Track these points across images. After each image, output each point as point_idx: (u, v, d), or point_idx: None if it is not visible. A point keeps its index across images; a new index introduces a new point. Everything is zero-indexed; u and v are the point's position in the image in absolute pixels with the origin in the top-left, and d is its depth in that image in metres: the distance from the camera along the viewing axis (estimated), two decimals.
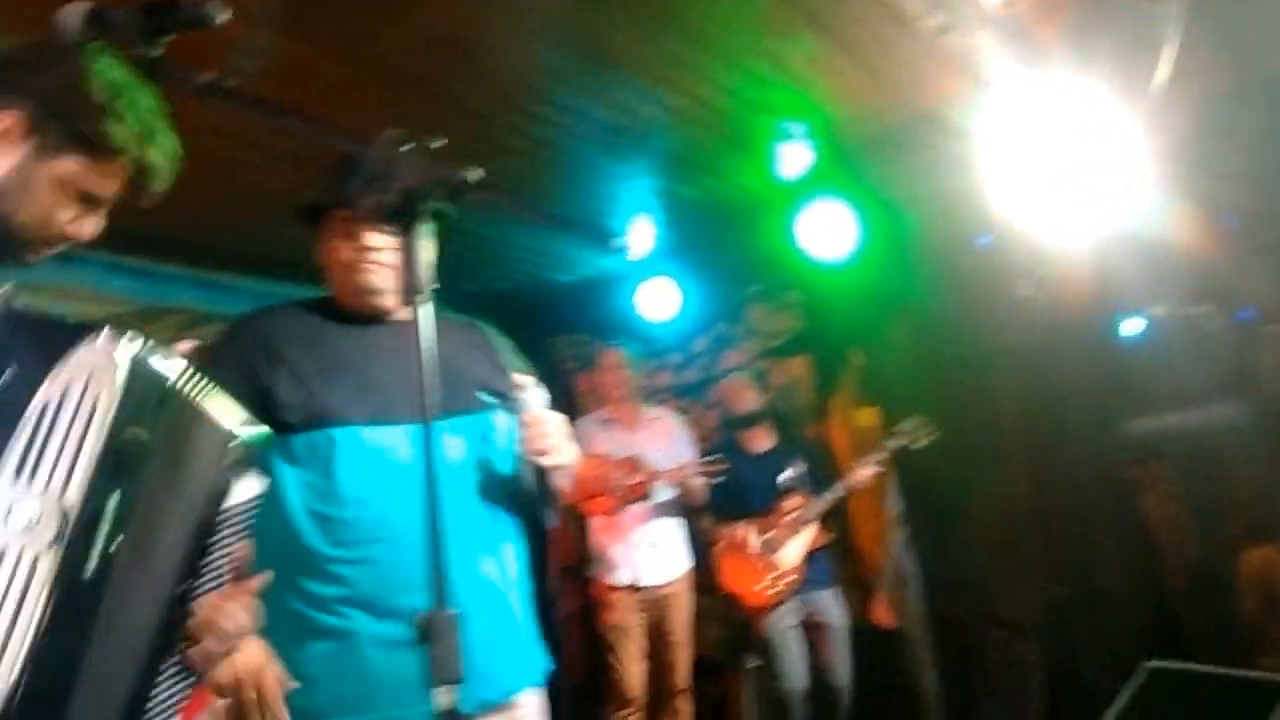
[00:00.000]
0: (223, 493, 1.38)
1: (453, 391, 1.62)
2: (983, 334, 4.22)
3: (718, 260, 5.01)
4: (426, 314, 1.19)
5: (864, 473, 4.09)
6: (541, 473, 2.01)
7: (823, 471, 4.34)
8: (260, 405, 1.74)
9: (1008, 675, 4.01)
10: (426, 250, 1.19)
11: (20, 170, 1.25)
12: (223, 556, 1.40)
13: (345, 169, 1.95)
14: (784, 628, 4.10)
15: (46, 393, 1.07)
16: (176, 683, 1.33)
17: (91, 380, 1.11)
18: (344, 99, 2.89)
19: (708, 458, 4.27)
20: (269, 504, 1.51)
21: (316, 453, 1.84)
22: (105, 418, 1.11)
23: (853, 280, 4.42)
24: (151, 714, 1.28)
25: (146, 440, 1.19)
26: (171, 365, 1.24)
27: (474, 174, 1.14)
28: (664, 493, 4.21)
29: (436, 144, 1.14)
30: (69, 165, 1.27)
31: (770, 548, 4.11)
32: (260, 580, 1.48)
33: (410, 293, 1.18)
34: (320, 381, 1.87)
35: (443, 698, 1.10)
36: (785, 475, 4.25)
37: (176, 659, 1.33)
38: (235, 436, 1.38)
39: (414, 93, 2.99)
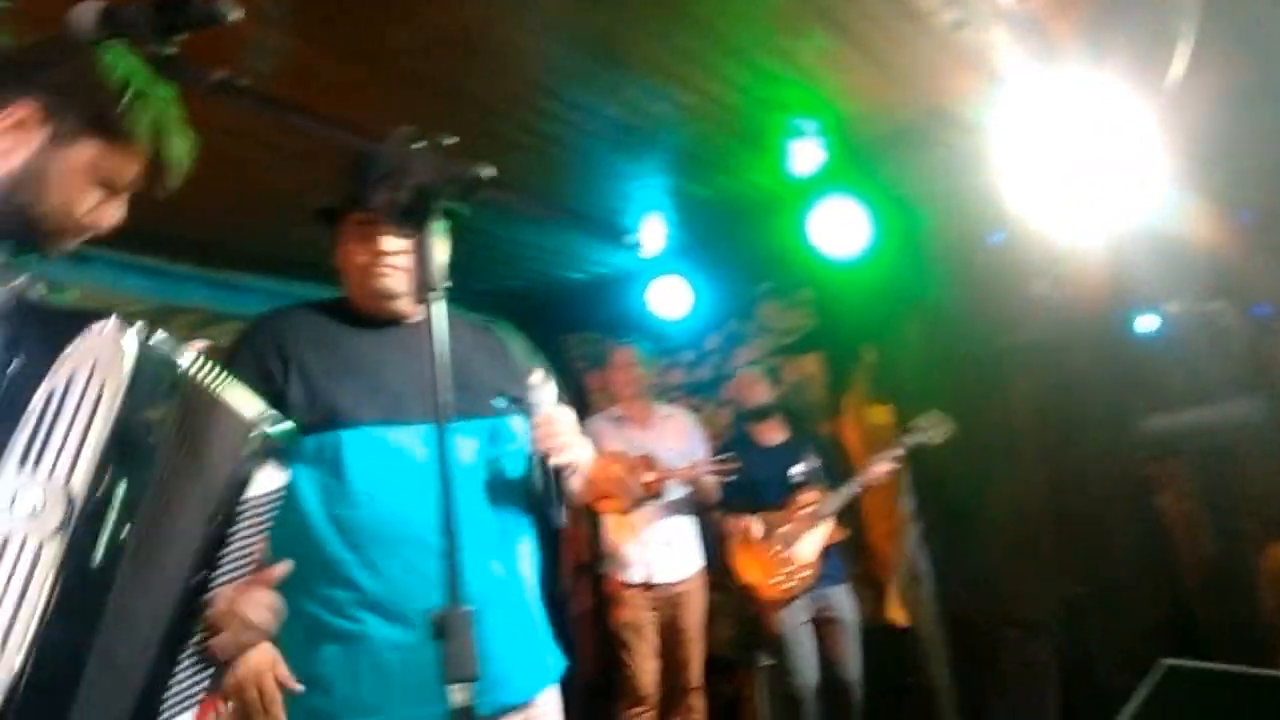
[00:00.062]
0: (243, 483, 1.38)
1: (466, 394, 1.62)
2: (997, 331, 4.20)
3: (729, 258, 5.01)
4: (439, 312, 1.18)
5: (881, 469, 4.08)
6: (553, 471, 2.00)
7: (836, 469, 4.33)
8: (274, 407, 1.74)
9: (1022, 674, 3.99)
10: (439, 248, 1.18)
11: (38, 159, 1.25)
12: (242, 548, 1.40)
13: (359, 170, 1.96)
14: (795, 624, 4.10)
15: (52, 381, 1.07)
16: (196, 674, 1.33)
17: (97, 368, 1.10)
18: (354, 98, 2.89)
19: (720, 455, 4.26)
20: (281, 506, 1.51)
21: (326, 454, 1.84)
22: (112, 405, 1.11)
23: (865, 278, 4.41)
24: (170, 704, 1.28)
25: (158, 427, 1.19)
26: (182, 353, 1.24)
27: (487, 171, 1.13)
28: (676, 491, 4.21)
29: (449, 141, 1.14)
30: (86, 152, 1.27)
31: (786, 542, 4.10)
32: (280, 571, 1.48)
33: (423, 290, 1.18)
34: (331, 382, 1.88)
35: (458, 695, 1.09)
36: (797, 469, 4.24)
37: (196, 650, 1.33)
38: (255, 426, 1.38)
39: (424, 91, 2.99)
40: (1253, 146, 3.45)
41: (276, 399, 1.81)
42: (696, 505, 4.29)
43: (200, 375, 1.27)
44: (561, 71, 3.00)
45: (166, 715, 1.27)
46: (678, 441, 4.33)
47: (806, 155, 3.88)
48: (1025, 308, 4.04)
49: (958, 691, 4.24)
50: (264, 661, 1.64)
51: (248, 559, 1.42)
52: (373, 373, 1.92)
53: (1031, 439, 4.13)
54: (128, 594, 1.18)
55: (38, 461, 1.06)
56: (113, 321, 1.12)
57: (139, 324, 1.16)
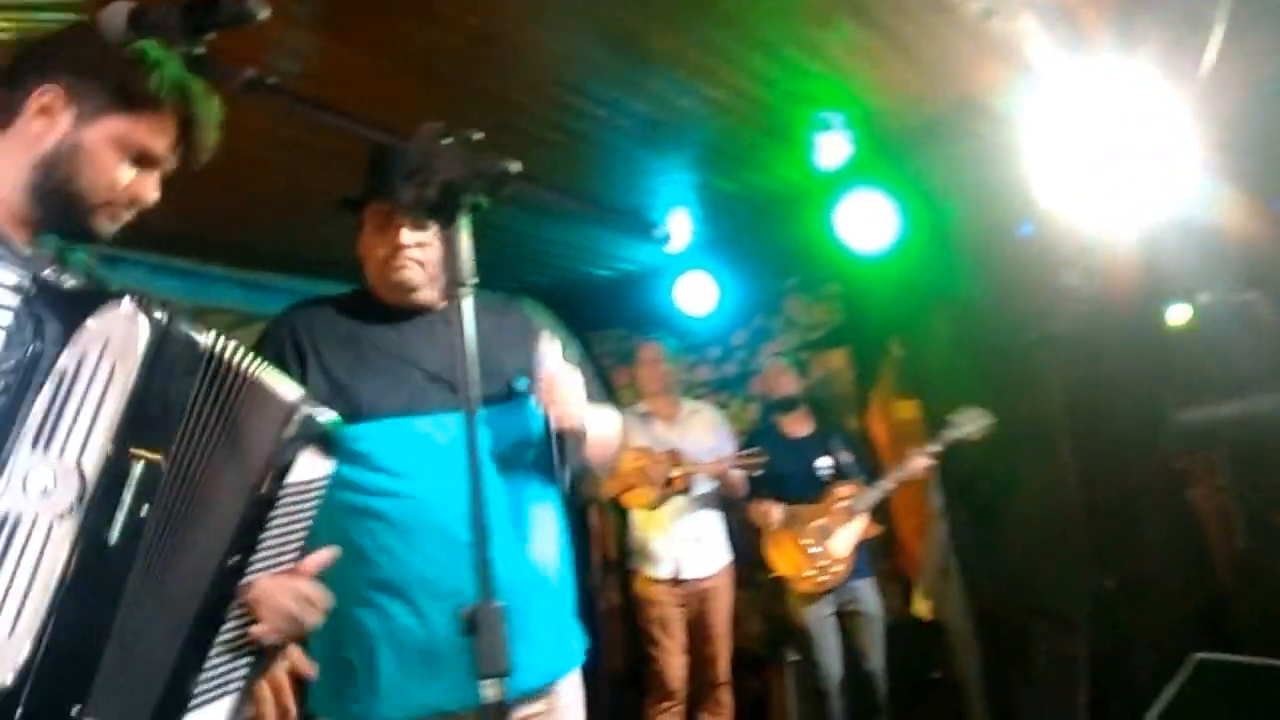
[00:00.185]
0: (284, 467, 1.38)
1: (487, 380, 1.62)
2: (1026, 324, 4.16)
3: (755, 253, 4.99)
4: (467, 307, 1.18)
5: (918, 464, 4.06)
6: (556, 432, 1.96)
7: (863, 464, 4.32)
8: None
9: (1053, 668, 3.95)
10: (466, 243, 1.18)
11: (67, 139, 1.27)
12: (283, 534, 1.40)
13: (379, 161, 1.97)
14: (820, 617, 4.10)
15: (64, 361, 1.08)
16: (231, 660, 1.34)
17: (109, 347, 1.11)
18: (381, 97, 2.91)
19: (746, 446, 4.25)
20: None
21: (348, 445, 1.85)
22: (125, 384, 1.12)
23: (892, 271, 4.38)
24: (203, 689, 1.29)
25: (182, 406, 1.20)
26: (205, 333, 1.24)
27: (514, 166, 1.13)
28: (704, 486, 4.21)
29: (476, 136, 1.14)
30: (115, 124, 1.29)
31: (821, 535, 4.09)
32: (324, 558, 1.49)
33: (451, 286, 1.18)
34: (351, 376, 1.89)
35: (490, 690, 1.09)
36: (824, 462, 4.23)
37: (233, 636, 1.34)
38: (296, 410, 1.39)
39: (450, 89, 3.00)
40: None
41: None
42: (724, 500, 4.29)
43: (236, 357, 1.28)
44: (587, 67, 3.01)
45: (200, 700, 1.27)
46: (705, 437, 4.33)
47: (833, 148, 3.85)
48: (1055, 300, 3.99)
49: (986, 686, 4.21)
50: None
51: (288, 546, 1.42)
52: (394, 364, 1.93)
53: (1062, 432, 4.09)
54: (153, 573, 1.19)
55: (49, 441, 1.07)
56: (127, 301, 1.13)
57: (159, 303, 1.16)
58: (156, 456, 1.17)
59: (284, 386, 1.39)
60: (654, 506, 4.18)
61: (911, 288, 4.45)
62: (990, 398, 4.06)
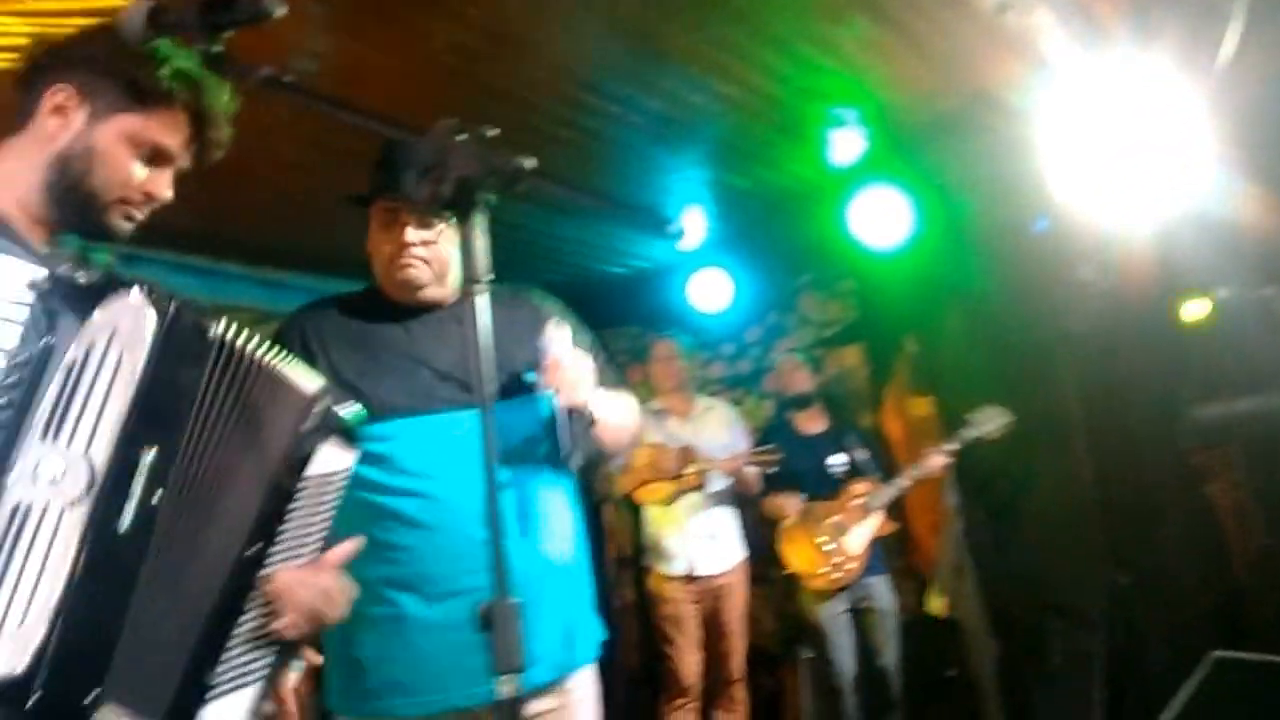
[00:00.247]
0: (303, 458, 1.39)
1: (499, 374, 1.62)
2: (1042, 320, 4.14)
3: (769, 250, 4.99)
4: (483, 304, 1.18)
5: (935, 462, 4.05)
6: (565, 413, 1.95)
7: (877, 461, 4.31)
8: None
9: (1068, 666, 3.94)
10: (482, 240, 1.18)
11: (83, 135, 1.29)
12: (303, 526, 1.41)
13: (386, 159, 1.97)
14: (834, 614, 4.10)
15: (74, 352, 1.10)
16: (252, 651, 1.35)
17: (116, 336, 1.12)
18: (396, 94, 2.92)
19: (760, 443, 4.25)
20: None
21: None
22: (133, 372, 1.13)
23: (907, 267, 4.37)
24: (222, 680, 1.29)
25: (193, 395, 1.21)
26: (218, 324, 1.25)
27: (529, 162, 1.14)
28: (718, 483, 4.21)
29: (491, 133, 1.14)
30: (128, 121, 1.30)
31: (836, 532, 4.09)
32: (348, 549, 1.49)
33: (466, 282, 1.18)
34: (362, 377, 1.89)
35: (505, 687, 1.09)
36: (837, 459, 4.22)
37: (254, 628, 1.34)
38: (316, 401, 1.40)
39: (464, 87, 3.01)
40: None
41: None
42: (738, 497, 4.29)
43: (251, 348, 1.29)
44: (600, 65, 3.01)
45: (220, 690, 1.28)
46: (719, 434, 4.33)
47: (847, 144, 3.85)
48: (1071, 295, 3.97)
49: (1001, 683, 4.20)
50: None
51: (310, 538, 1.43)
52: (404, 364, 1.93)
53: (1078, 428, 4.07)
54: (168, 561, 1.20)
55: (58, 431, 1.09)
56: (135, 292, 1.14)
57: (169, 295, 1.17)
58: (167, 445, 1.17)
59: (304, 378, 1.40)
60: (668, 503, 4.18)
61: (926, 284, 4.44)
62: (1005, 394, 4.05)
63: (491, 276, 1.19)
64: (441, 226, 1.96)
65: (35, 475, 1.07)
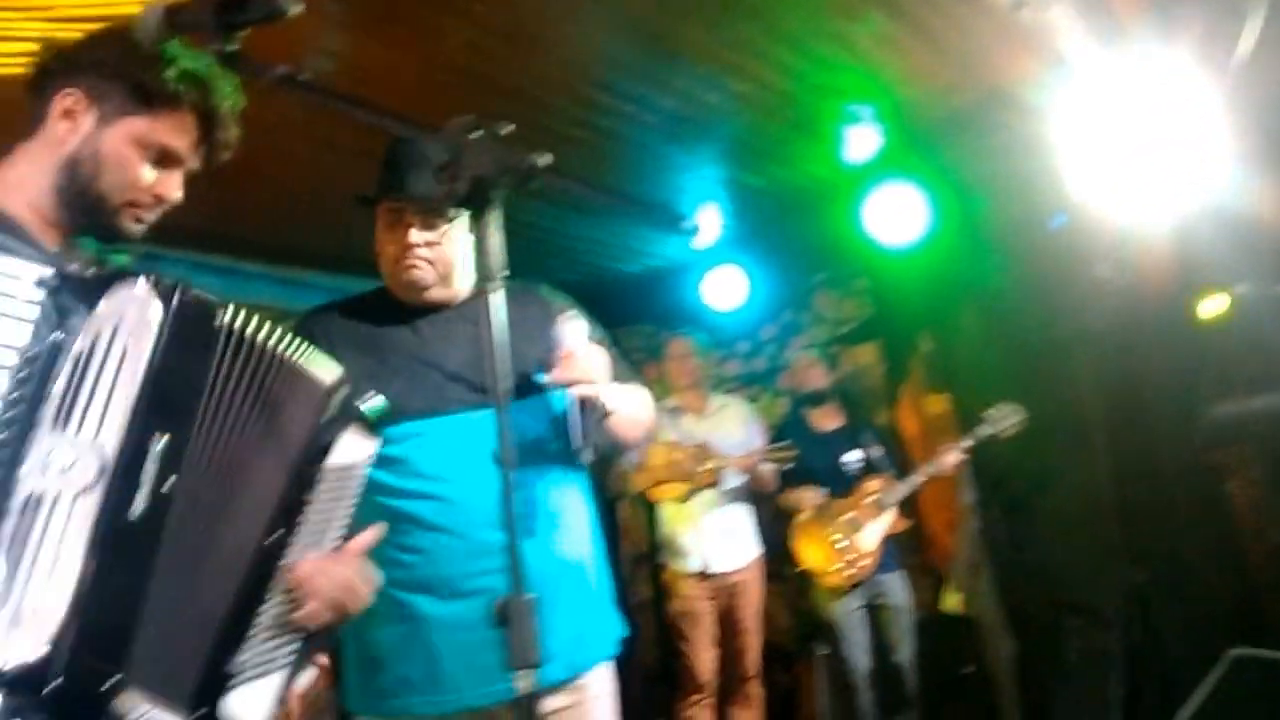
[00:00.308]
0: (322, 448, 1.40)
1: (511, 372, 1.61)
2: (1059, 318, 4.12)
3: (784, 248, 4.98)
4: (497, 301, 1.19)
5: (948, 459, 4.04)
6: (577, 405, 1.91)
7: (893, 458, 4.30)
8: None
9: (1086, 664, 3.92)
10: (496, 238, 1.19)
11: (92, 138, 1.31)
12: (325, 515, 1.42)
13: (392, 159, 1.97)
14: (848, 610, 4.09)
15: (81, 343, 1.11)
16: (279, 637, 1.36)
17: (122, 325, 1.14)
18: (411, 93, 2.93)
19: (775, 439, 4.25)
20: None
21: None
22: (140, 361, 1.14)
23: (922, 265, 4.35)
24: (247, 665, 1.30)
25: (204, 383, 1.22)
26: (229, 313, 1.26)
27: (543, 159, 1.14)
28: (733, 480, 4.21)
29: (505, 130, 1.15)
30: (135, 124, 1.32)
31: (850, 529, 4.08)
32: (370, 538, 1.50)
33: (481, 280, 1.19)
34: (371, 381, 1.88)
35: (521, 682, 1.10)
36: (852, 455, 4.22)
37: (278, 613, 1.36)
38: (335, 391, 1.42)
39: (478, 86, 3.02)
40: None
41: None
42: (753, 494, 4.29)
43: (265, 338, 1.30)
44: (614, 64, 3.01)
45: (242, 677, 1.29)
46: (734, 431, 4.33)
47: (862, 141, 3.84)
48: (1088, 292, 3.95)
49: (1018, 680, 4.18)
50: None
51: (331, 527, 1.44)
52: (413, 366, 1.93)
53: (1095, 426, 4.05)
54: (185, 547, 1.21)
55: (67, 420, 1.10)
56: (140, 282, 1.16)
57: (176, 285, 1.18)
58: (178, 432, 1.18)
59: (321, 368, 1.41)
60: (683, 500, 4.18)
61: (941, 281, 4.42)
62: (1022, 392, 4.03)
63: (506, 274, 1.19)
64: (446, 227, 1.96)
65: (46, 465, 1.08)
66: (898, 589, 4.16)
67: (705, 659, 4.20)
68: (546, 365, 1.92)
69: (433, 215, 1.94)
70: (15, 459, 1.07)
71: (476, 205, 1.17)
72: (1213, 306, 3.96)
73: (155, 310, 1.16)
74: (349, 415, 1.44)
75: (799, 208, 4.49)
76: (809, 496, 4.15)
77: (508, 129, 1.15)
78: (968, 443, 4.02)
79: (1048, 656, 4.06)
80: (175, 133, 1.34)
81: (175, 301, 1.18)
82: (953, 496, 4.53)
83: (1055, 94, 3.33)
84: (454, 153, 1.15)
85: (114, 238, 1.35)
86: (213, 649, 1.26)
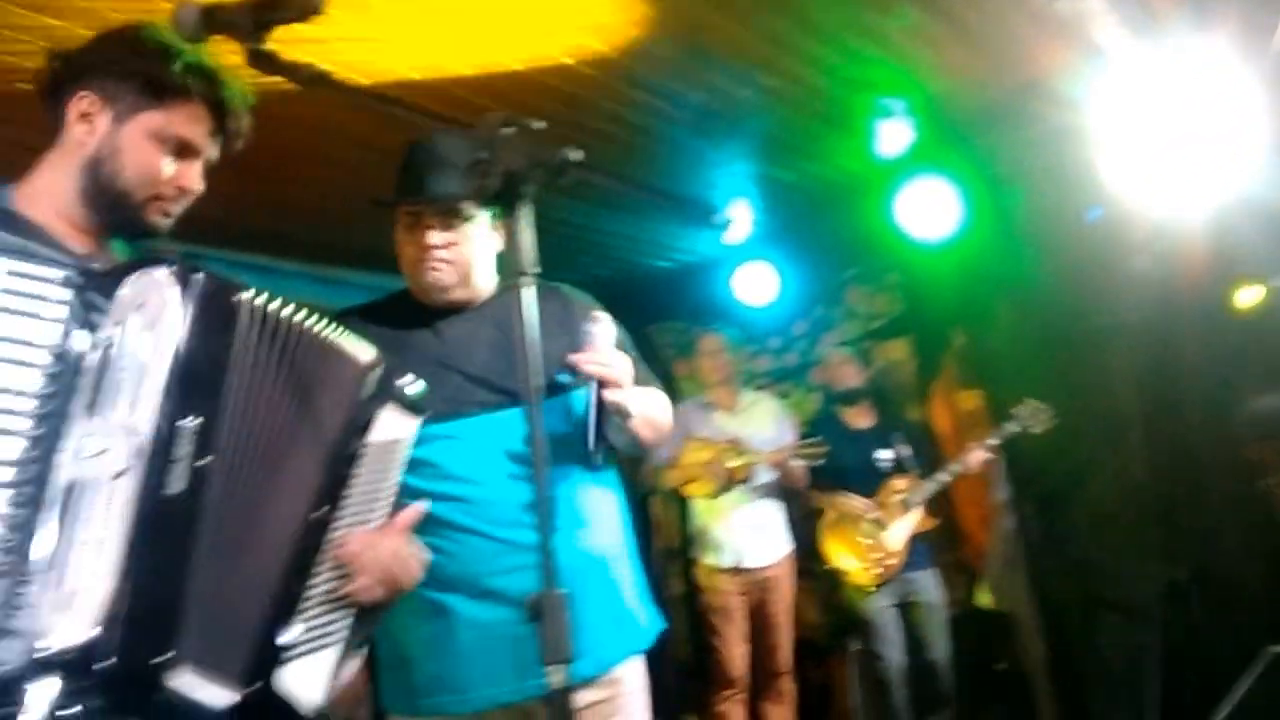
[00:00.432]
0: (363, 425, 1.43)
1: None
2: (1095, 311, 4.08)
3: (815, 243, 4.97)
4: (529, 297, 1.19)
5: (975, 457, 4.02)
6: (597, 404, 1.92)
7: (925, 454, 4.28)
8: None
9: (1123, 660, 3.88)
10: (528, 234, 1.19)
11: (110, 136, 1.33)
12: (369, 490, 1.45)
13: (409, 162, 1.98)
14: (881, 608, 4.08)
15: (107, 331, 1.14)
16: (330, 612, 1.38)
17: (145, 310, 1.16)
18: (441, 91, 2.95)
19: (807, 437, 4.24)
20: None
21: None
22: (166, 343, 1.17)
23: (955, 260, 4.32)
24: (301, 640, 1.32)
25: (232, 362, 1.24)
26: (255, 294, 1.28)
27: (575, 154, 1.14)
28: (764, 476, 4.21)
29: (537, 125, 1.15)
30: (150, 118, 1.34)
31: (877, 528, 4.07)
32: (416, 513, 1.51)
33: (512, 275, 1.19)
34: None
35: (554, 677, 1.11)
36: (884, 454, 4.20)
37: (328, 588, 1.37)
38: (371, 369, 1.44)
39: (510, 83, 3.02)
40: None
41: None
42: (784, 490, 4.28)
43: (291, 315, 1.32)
44: (646, 60, 3.01)
45: (296, 652, 1.31)
46: (765, 427, 4.33)
47: (894, 136, 3.82)
48: (1123, 286, 3.91)
49: (1053, 677, 4.15)
50: None
51: (377, 503, 1.46)
52: (434, 370, 1.90)
53: (1131, 421, 4.00)
54: (227, 523, 1.23)
55: (100, 407, 1.13)
56: (161, 267, 1.18)
57: (194, 265, 1.21)
58: (210, 411, 1.20)
59: (356, 347, 1.44)
60: (714, 495, 4.19)
61: (974, 276, 4.39)
62: (1057, 387, 3.99)
63: (537, 270, 1.19)
64: (465, 228, 1.96)
65: (82, 451, 1.11)
66: (930, 586, 4.14)
67: (737, 654, 4.20)
68: (568, 365, 1.93)
69: (452, 216, 1.95)
70: (52, 449, 1.10)
71: (508, 201, 1.17)
72: (1250, 298, 3.90)
73: (175, 293, 1.18)
74: (388, 393, 1.46)
75: (830, 203, 4.47)
76: (840, 499, 4.14)
77: (539, 125, 1.16)
78: (994, 441, 4.00)
79: (1084, 653, 4.02)
80: (189, 123, 1.36)
81: (195, 283, 1.20)
82: (986, 493, 4.50)
83: (1090, 86, 3.30)
84: (486, 148, 1.15)
85: (143, 233, 1.37)
86: (263, 624, 1.28)
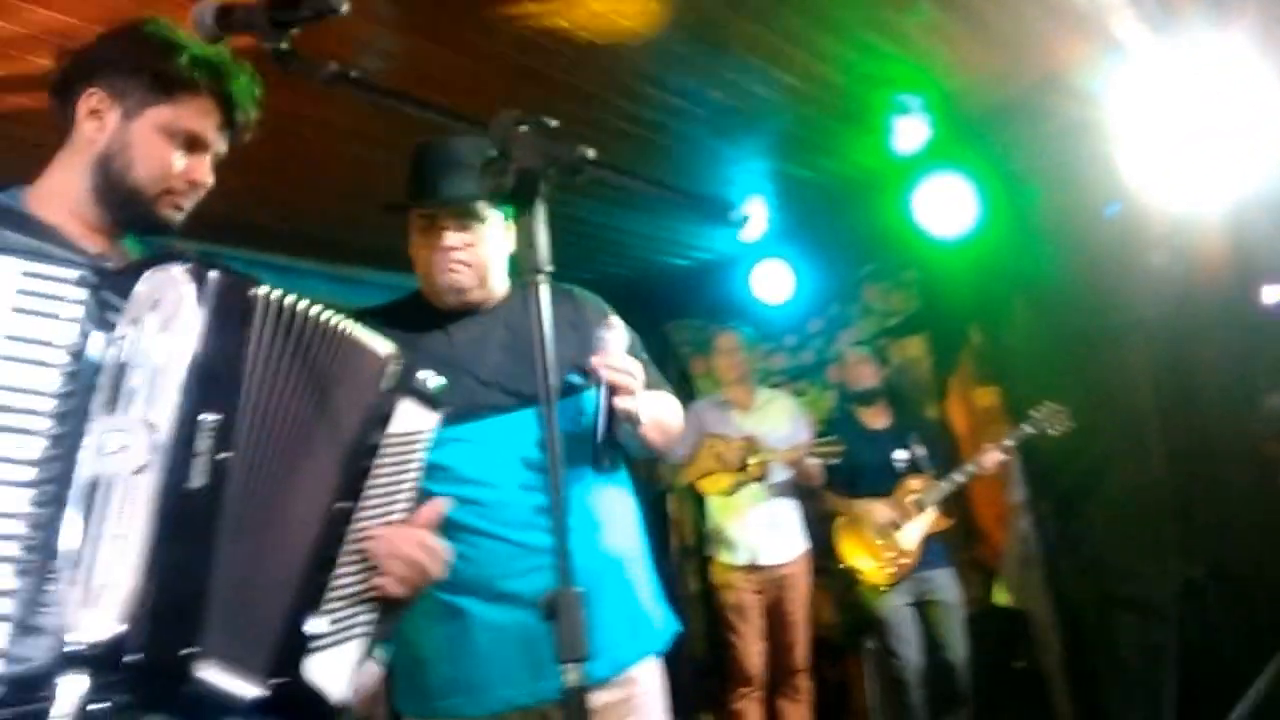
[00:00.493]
0: (383, 417, 1.43)
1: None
2: (1113, 308, 4.05)
3: (832, 240, 4.96)
4: (545, 295, 1.19)
5: (991, 458, 4.00)
6: (608, 408, 1.92)
7: (942, 452, 4.27)
8: None
9: (1139, 658, 3.86)
10: (543, 232, 1.18)
11: (119, 132, 1.34)
12: (391, 484, 1.45)
13: (420, 164, 1.98)
14: (898, 605, 4.07)
15: (123, 328, 1.15)
16: (354, 605, 1.38)
17: (160, 307, 1.17)
18: (460, 91, 2.96)
19: (823, 437, 4.24)
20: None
21: None
22: (182, 338, 1.17)
23: (972, 256, 4.31)
24: (326, 634, 1.32)
25: (248, 357, 1.25)
26: (270, 290, 1.29)
27: (590, 152, 1.14)
28: (780, 474, 4.21)
29: (551, 123, 1.15)
30: (159, 113, 1.35)
31: (891, 528, 4.06)
32: (439, 508, 1.51)
33: (528, 274, 1.18)
34: None
35: (570, 675, 1.11)
36: (900, 454, 4.19)
37: (352, 580, 1.38)
38: (389, 362, 1.45)
39: (528, 82, 3.04)
40: None
41: None
42: (800, 488, 4.28)
43: (306, 309, 1.33)
44: (663, 57, 3.01)
45: (321, 644, 1.32)
46: (781, 425, 4.33)
47: (911, 132, 3.81)
48: (1142, 282, 3.88)
49: (1071, 675, 4.13)
50: None
51: (398, 496, 1.47)
52: (446, 372, 1.93)
53: (1149, 418, 3.97)
54: (250, 517, 1.24)
55: (118, 403, 1.14)
56: (175, 264, 1.19)
57: (211, 262, 1.21)
58: (228, 405, 1.21)
59: (374, 340, 1.45)
60: (730, 493, 4.19)
61: (991, 273, 4.37)
62: (1074, 384, 3.97)
63: (551, 269, 1.19)
64: (480, 228, 1.96)
65: (102, 447, 1.12)
66: (947, 585, 4.13)
67: (754, 652, 4.21)
68: (579, 364, 1.93)
69: (467, 217, 1.94)
70: (73, 447, 1.11)
71: (523, 199, 1.17)
72: (1271, 294, 3.87)
73: (191, 289, 1.19)
74: (405, 385, 1.47)
75: (847, 199, 4.46)
76: (861, 507, 4.13)
77: (554, 123, 1.16)
78: (1009, 442, 3.99)
79: (1101, 652, 4.00)
80: (198, 116, 1.37)
81: (210, 279, 1.21)
82: (1002, 492, 4.48)
83: (1108, 81, 3.28)
84: (500, 147, 1.15)
85: (155, 228, 1.39)
86: (287, 617, 1.29)
